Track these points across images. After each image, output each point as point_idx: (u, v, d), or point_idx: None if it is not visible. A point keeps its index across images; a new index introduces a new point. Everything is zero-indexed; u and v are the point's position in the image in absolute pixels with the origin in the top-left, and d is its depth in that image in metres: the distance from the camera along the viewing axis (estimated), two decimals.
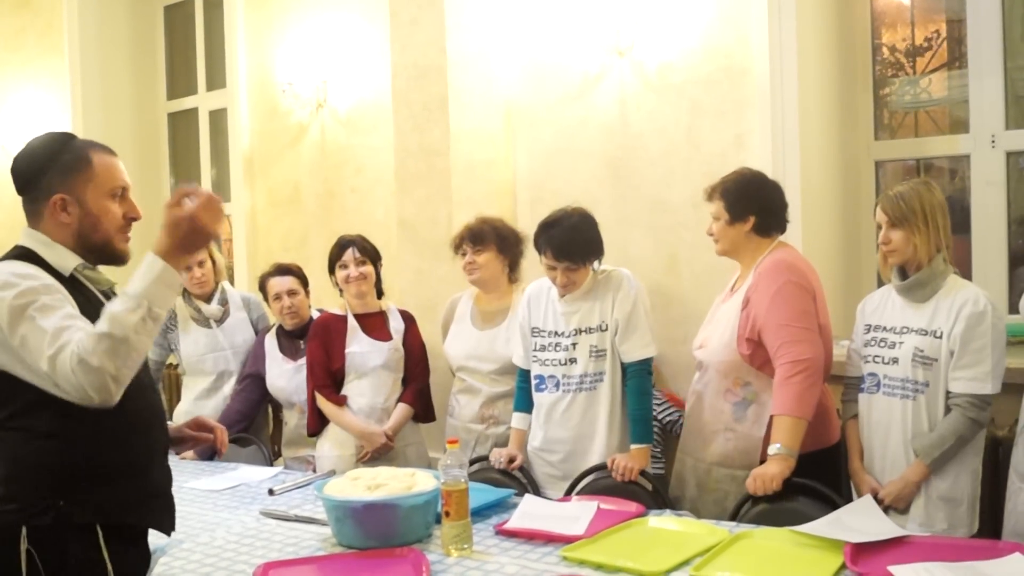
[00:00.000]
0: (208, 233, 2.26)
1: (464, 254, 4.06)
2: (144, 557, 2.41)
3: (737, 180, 3.41)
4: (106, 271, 2.46)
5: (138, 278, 2.16)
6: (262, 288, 4.55)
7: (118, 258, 2.42)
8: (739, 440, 3.29)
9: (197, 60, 6.82)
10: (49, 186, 2.34)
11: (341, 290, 4.29)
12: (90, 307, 2.25)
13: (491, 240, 4.03)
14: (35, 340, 2.12)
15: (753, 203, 3.35)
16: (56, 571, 2.18)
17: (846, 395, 3.35)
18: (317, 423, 4.25)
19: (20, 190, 2.40)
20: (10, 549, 2.16)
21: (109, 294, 2.38)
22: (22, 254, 2.30)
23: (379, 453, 4.09)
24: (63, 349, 2.08)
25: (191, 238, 2.23)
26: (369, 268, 4.22)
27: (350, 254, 4.18)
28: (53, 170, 2.36)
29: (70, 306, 2.19)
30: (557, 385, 3.62)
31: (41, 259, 2.29)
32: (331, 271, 4.27)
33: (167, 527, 2.46)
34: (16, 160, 2.45)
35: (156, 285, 2.16)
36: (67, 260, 2.32)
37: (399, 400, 4.22)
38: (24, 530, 2.16)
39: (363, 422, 4.13)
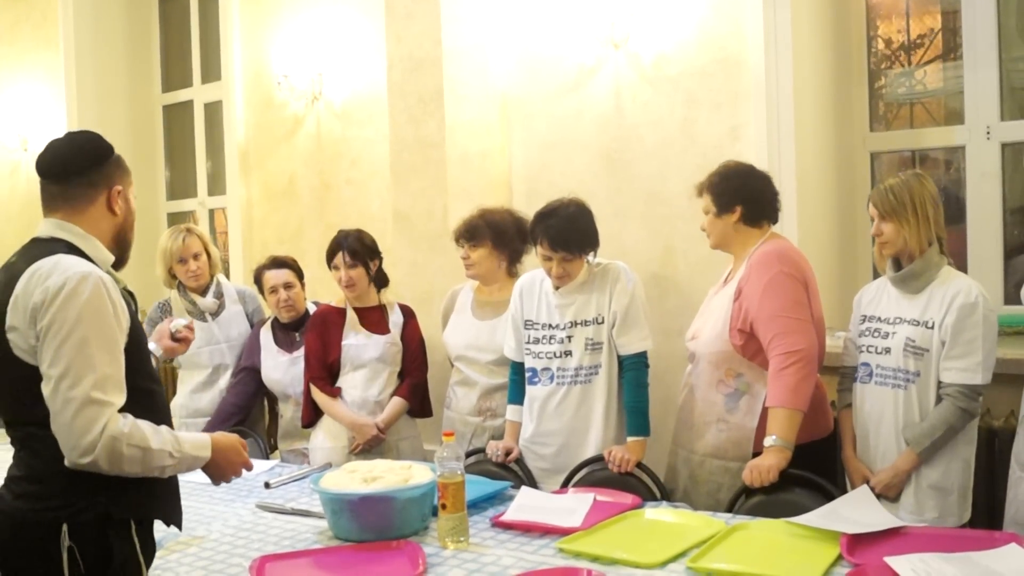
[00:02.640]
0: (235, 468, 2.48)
1: (462, 247, 4.07)
2: (154, 547, 2.46)
3: (722, 173, 3.43)
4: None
5: (190, 445, 2.32)
6: (257, 281, 4.54)
7: (125, 261, 2.51)
8: (732, 431, 3.29)
9: (192, 52, 6.81)
10: (109, 177, 2.40)
11: None
12: (124, 300, 2.35)
13: (486, 236, 4.01)
14: (75, 366, 2.15)
15: (738, 194, 3.37)
16: (96, 566, 2.22)
17: (842, 384, 3.36)
18: (311, 414, 4.25)
19: (61, 177, 2.40)
20: (51, 545, 2.19)
21: (124, 294, 2.36)
22: (67, 249, 2.32)
23: (370, 445, 4.08)
24: (101, 410, 2.14)
25: (231, 462, 2.45)
26: (359, 271, 4.19)
27: (340, 258, 4.17)
28: (111, 163, 2.42)
29: (121, 335, 2.26)
30: (551, 378, 3.61)
31: (83, 254, 2.32)
32: (328, 264, 4.25)
33: (180, 521, 2.51)
34: (66, 146, 2.45)
35: (195, 460, 2.34)
36: (104, 256, 2.39)
37: (394, 394, 4.22)
38: (65, 527, 2.19)
39: (354, 413, 4.13)
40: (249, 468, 2.51)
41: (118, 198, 2.41)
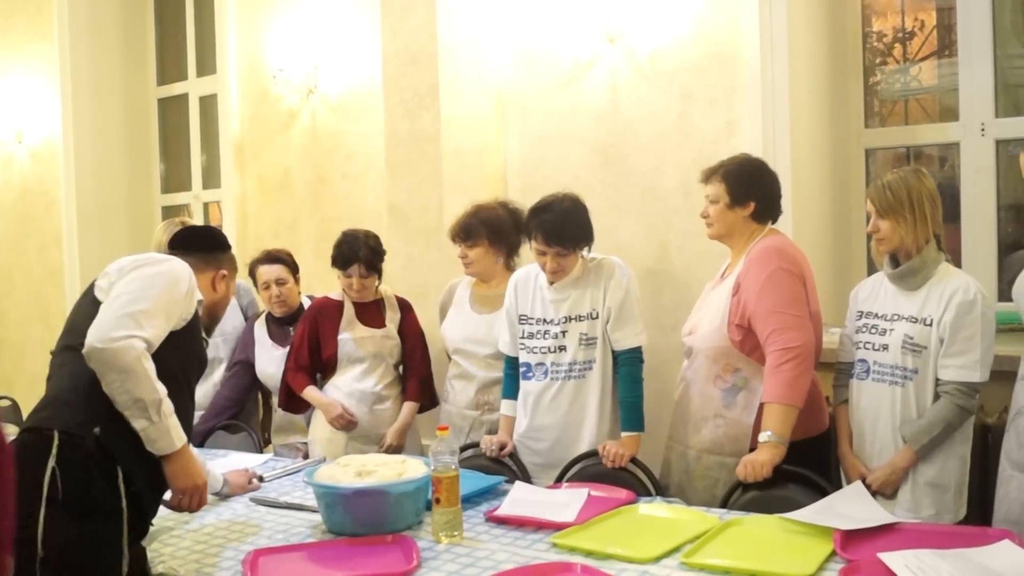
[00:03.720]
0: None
1: (459, 245, 4.07)
2: (146, 512, 2.64)
3: (741, 164, 3.41)
4: None
5: (175, 428, 2.55)
6: (251, 274, 4.53)
7: (208, 332, 2.97)
8: (729, 427, 3.29)
9: (187, 46, 6.80)
10: (221, 262, 2.95)
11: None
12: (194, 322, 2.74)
13: (481, 234, 4.01)
14: (135, 295, 2.54)
15: (755, 189, 3.36)
16: (75, 496, 2.39)
17: (838, 380, 3.36)
18: (286, 399, 4.29)
19: (195, 247, 2.89)
20: (38, 469, 2.39)
21: (199, 321, 2.79)
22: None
23: (341, 425, 4.10)
24: (136, 327, 2.48)
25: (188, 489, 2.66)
26: (371, 279, 4.21)
27: (356, 269, 4.15)
28: (228, 254, 3.02)
29: (176, 316, 2.63)
30: (546, 373, 3.61)
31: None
32: (334, 264, 4.22)
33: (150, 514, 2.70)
34: (199, 230, 3.40)
35: (167, 438, 2.53)
36: (199, 295, 2.77)
37: (404, 397, 4.24)
38: (55, 447, 2.40)
39: (322, 394, 4.17)
40: (203, 503, 2.71)
41: (223, 281, 2.93)
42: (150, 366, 2.47)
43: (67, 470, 2.40)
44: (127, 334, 2.44)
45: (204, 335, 2.88)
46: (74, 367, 2.52)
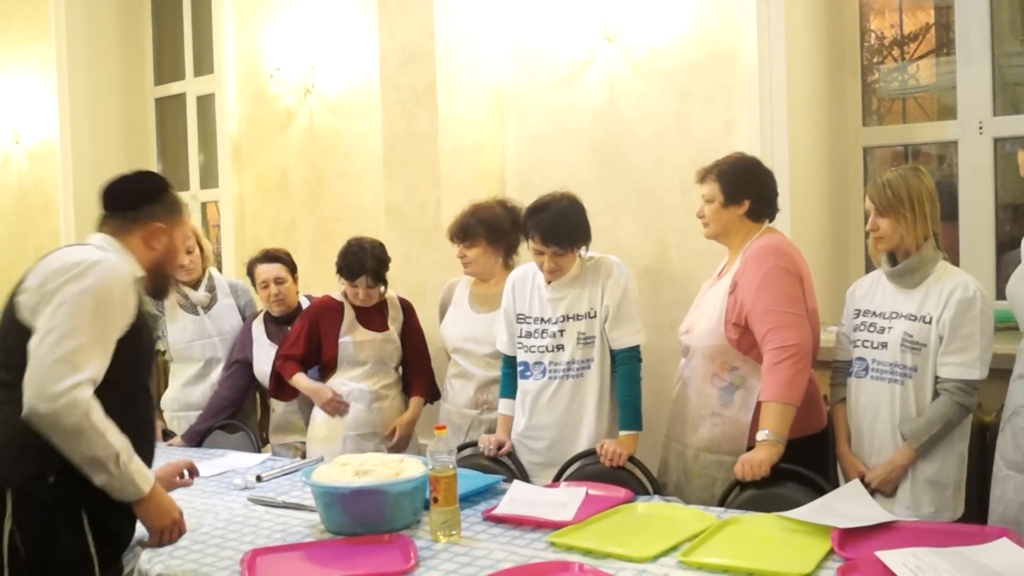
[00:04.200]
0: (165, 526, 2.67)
1: (457, 246, 4.07)
2: (118, 547, 2.56)
3: (735, 163, 3.41)
4: None
5: (138, 473, 2.48)
6: (250, 273, 4.53)
7: (162, 293, 2.78)
8: (726, 425, 3.29)
9: (184, 45, 6.80)
10: (151, 214, 2.66)
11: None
12: (141, 311, 2.56)
13: (479, 234, 4.00)
14: (66, 327, 2.35)
15: (749, 187, 3.36)
16: (38, 552, 2.27)
17: (834, 379, 3.36)
18: (276, 388, 4.31)
19: (114, 206, 2.68)
20: None
21: (144, 314, 2.60)
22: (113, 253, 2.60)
23: (332, 409, 4.12)
24: (75, 370, 2.31)
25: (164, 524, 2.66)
26: (378, 289, 4.21)
27: (363, 280, 4.14)
28: (160, 202, 2.69)
29: (116, 327, 2.45)
30: (543, 372, 3.61)
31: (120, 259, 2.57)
32: (340, 274, 4.20)
33: (127, 537, 2.66)
34: (121, 182, 2.78)
35: (132, 485, 2.47)
36: (134, 268, 2.59)
37: (411, 392, 4.28)
38: (9, 505, 2.28)
39: (311, 381, 4.19)
40: (182, 532, 2.70)
41: (159, 235, 2.65)
42: (99, 418, 2.34)
43: (26, 528, 2.30)
44: (68, 385, 2.28)
45: (159, 314, 2.86)
46: (14, 408, 2.34)
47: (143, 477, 2.45)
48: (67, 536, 2.33)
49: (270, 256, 4.47)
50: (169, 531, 2.63)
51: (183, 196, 6.73)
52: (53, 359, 2.30)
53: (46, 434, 2.30)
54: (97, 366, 2.36)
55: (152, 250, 2.64)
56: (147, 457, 2.64)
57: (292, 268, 4.50)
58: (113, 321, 2.43)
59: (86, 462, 2.33)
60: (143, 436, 2.62)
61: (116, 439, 2.36)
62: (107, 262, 2.46)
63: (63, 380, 2.27)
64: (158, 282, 2.70)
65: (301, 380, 4.19)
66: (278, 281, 4.42)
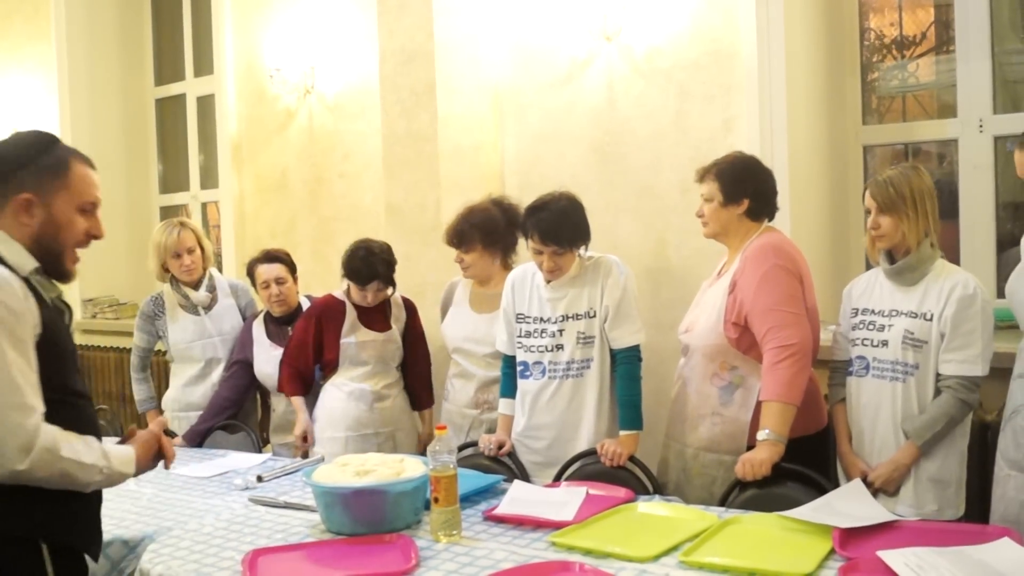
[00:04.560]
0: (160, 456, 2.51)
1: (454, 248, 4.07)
2: (93, 534, 2.44)
3: (733, 162, 3.41)
4: None
5: (118, 460, 2.33)
6: (250, 274, 4.53)
7: (63, 274, 2.36)
8: (726, 424, 3.29)
9: (184, 46, 6.81)
10: (20, 183, 2.26)
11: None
12: (44, 308, 2.25)
13: (475, 239, 4.00)
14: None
15: (748, 186, 3.35)
16: None
17: (833, 379, 3.35)
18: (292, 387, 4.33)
19: None
20: None
21: (54, 304, 2.32)
22: None
23: (298, 443, 4.19)
24: (25, 414, 2.11)
25: (153, 464, 2.48)
26: (387, 292, 4.22)
27: (374, 285, 4.15)
28: (28, 169, 2.28)
29: (31, 340, 2.18)
30: (543, 371, 3.60)
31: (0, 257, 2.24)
32: (350, 278, 4.19)
33: (97, 549, 2.47)
34: None
35: (121, 476, 2.35)
36: (25, 261, 2.26)
37: (418, 405, 4.34)
38: None
39: (303, 411, 4.23)
40: (170, 452, 2.53)
41: (28, 207, 2.26)
42: (68, 448, 2.16)
43: None
44: (27, 437, 2.09)
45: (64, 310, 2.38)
46: None
47: (125, 464, 2.34)
48: (26, 570, 2.19)
49: (270, 256, 4.47)
50: (168, 464, 2.53)
51: (183, 197, 6.88)
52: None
53: (31, 484, 2.15)
54: (37, 390, 2.16)
55: (25, 226, 2.26)
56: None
57: (292, 268, 4.50)
58: (19, 332, 2.14)
59: (81, 486, 2.24)
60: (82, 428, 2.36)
61: (91, 455, 2.22)
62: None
63: (20, 432, 2.09)
64: (50, 262, 2.30)
65: (297, 403, 4.24)
66: (279, 281, 4.42)
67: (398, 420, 4.24)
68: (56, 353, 2.25)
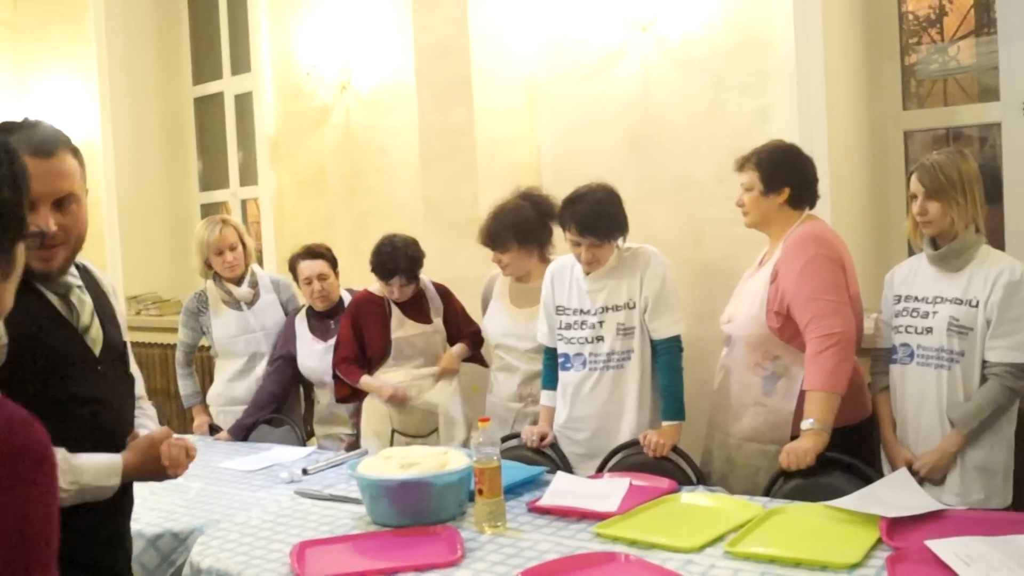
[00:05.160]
0: (163, 473, 2.25)
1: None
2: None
3: (773, 151, 3.39)
4: None
5: (92, 474, 2.06)
6: (292, 269, 4.57)
7: (35, 277, 2.10)
8: (769, 414, 3.28)
9: (221, 45, 6.84)
10: None
11: None
12: (26, 310, 1.96)
13: (510, 240, 3.98)
14: None
15: (789, 175, 3.34)
16: None
17: (875, 367, 3.33)
18: (344, 391, 4.34)
19: None
20: None
21: (67, 296, 2.17)
22: None
23: (398, 401, 4.14)
24: None
25: (154, 471, 2.24)
26: (412, 286, 4.24)
27: (398, 280, 4.17)
28: None
29: None
30: (584, 363, 3.61)
31: None
32: (374, 272, 4.22)
33: (120, 569, 2.29)
34: None
35: (99, 490, 2.09)
36: None
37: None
38: None
39: (374, 379, 4.19)
40: (187, 458, 2.30)
41: None
42: None
43: None
44: None
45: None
46: None
47: (105, 475, 2.09)
48: None
49: (312, 253, 4.51)
50: (172, 472, 2.26)
51: (223, 194, 6.93)
52: None
53: None
54: None
55: None
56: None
57: (334, 263, 4.54)
58: None
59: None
60: (86, 451, 2.12)
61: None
62: None
63: None
64: None
65: (365, 380, 4.21)
66: (321, 277, 4.45)
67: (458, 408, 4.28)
68: (34, 359, 2.05)
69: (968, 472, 3.01)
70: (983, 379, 3.02)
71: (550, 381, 3.75)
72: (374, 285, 4.31)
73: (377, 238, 4.25)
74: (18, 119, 2.21)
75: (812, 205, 3.41)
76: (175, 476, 2.29)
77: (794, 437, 3.14)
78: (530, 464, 3.43)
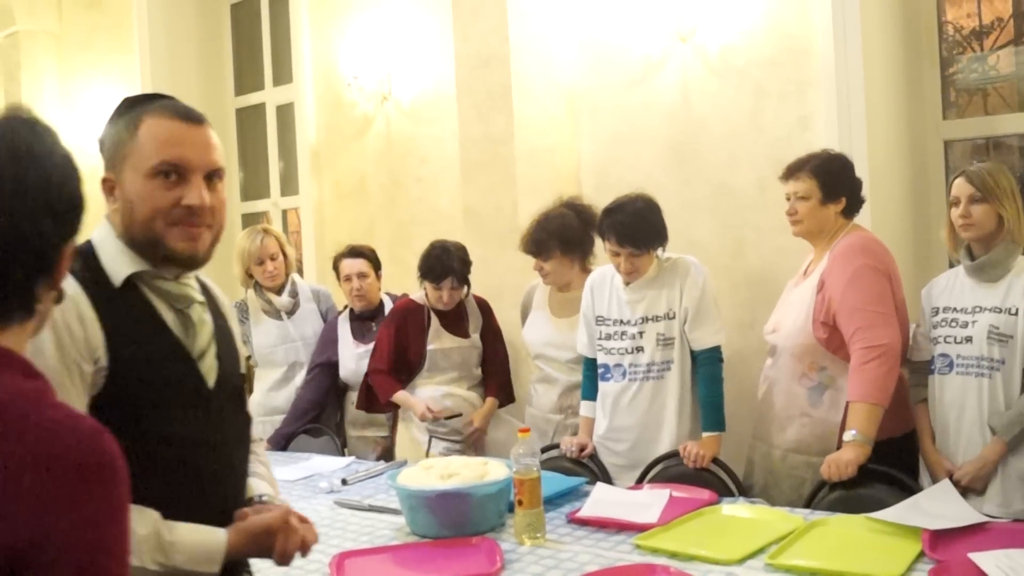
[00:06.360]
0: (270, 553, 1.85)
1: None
2: None
3: (831, 160, 3.39)
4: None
5: (187, 556, 1.70)
6: (335, 268, 4.60)
7: (177, 259, 1.82)
8: (815, 426, 3.26)
9: (263, 56, 6.90)
10: (106, 162, 1.84)
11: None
12: (134, 327, 1.76)
13: (554, 247, 3.98)
14: None
15: (846, 184, 3.35)
16: None
17: (914, 379, 3.31)
18: (366, 401, 4.37)
19: None
20: None
21: (185, 312, 1.86)
22: (82, 253, 1.77)
23: (431, 417, 4.15)
24: None
25: (264, 550, 1.85)
26: (461, 291, 4.26)
27: (448, 282, 4.19)
28: (107, 142, 1.86)
29: (67, 368, 1.64)
30: (624, 374, 3.61)
31: (96, 260, 1.79)
32: (425, 277, 4.24)
33: None
34: None
35: (196, 570, 1.72)
36: (120, 264, 1.79)
37: (485, 394, 4.32)
38: None
39: (410, 396, 4.21)
40: (304, 544, 1.90)
41: (111, 189, 1.83)
42: None
43: None
44: None
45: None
46: None
47: (203, 560, 1.72)
48: None
49: (355, 251, 4.55)
50: (279, 561, 1.86)
51: (264, 204, 6.99)
52: None
53: None
54: None
55: (115, 213, 1.82)
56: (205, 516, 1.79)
57: (376, 265, 4.57)
58: (56, 374, 1.60)
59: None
60: (186, 505, 1.75)
61: (137, 527, 1.61)
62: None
63: None
64: (151, 250, 1.79)
65: (400, 396, 4.24)
66: (360, 276, 4.49)
67: (493, 428, 4.30)
68: (134, 386, 1.72)
69: (1010, 481, 2.98)
70: (1023, 387, 2.99)
71: (590, 392, 3.75)
72: (416, 293, 4.34)
73: (417, 247, 4.28)
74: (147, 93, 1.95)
75: (857, 214, 3.40)
76: (281, 566, 1.89)
77: (838, 448, 3.13)
78: (570, 475, 3.43)
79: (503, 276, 4.70)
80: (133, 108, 1.84)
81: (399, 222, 5.78)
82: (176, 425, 1.78)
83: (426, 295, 4.27)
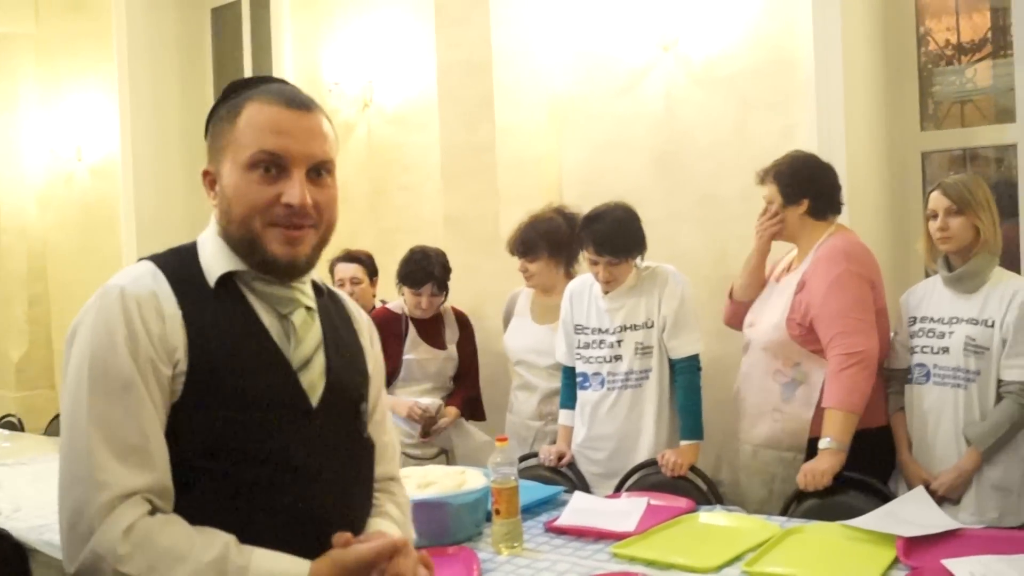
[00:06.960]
0: None
1: (519, 258, 4.09)
2: None
3: (790, 163, 3.42)
4: None
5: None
6: (331, 271, 4.60)
7: (271, 264, 1.64)
8: (787, 421, 3.28)
9: (244, 61, 6.89)
10: (208, 153, 1.69)
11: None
12: (225, 329, 1.60)
13: (541, 248, 4.01)
14: (67, 428, 1.51)
15: (807, 185, 3.36)
16: None
17: (891, 387, 3.33)
18: None
19: None
20: None
21: (285, 318, 1.67)
22: (182, 250, 1.70)
23: (417, 417, 4.15)
24: (93, 495, 1.44)
25: None
26: (440, 298, 4.26)
27: (428, 288, 4.19)
28: (209, 131, 1.70)
29: (150, 405, 1.50)
30: (602, 382, 3.61)
31: (196, 259, 1.68)
32: (404, 282, 4.24)
33: None
34: None
35: None
36: (217, 263, 1.65)
37: (448, 403, 4.29)
38: None
39: (398, 399, 4.19)
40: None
41: (212, 183, 1.68)
42: (141, 560, 1.42)
43: None
44: (85, 527, 1.43)
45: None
46: None
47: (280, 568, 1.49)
48: None
49: (350, 256, 4.55)
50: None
51: None
52: (63, 491, 1.48)
53: None
54: (130, 460, 1.46)
55: (215, 208, 1.68)
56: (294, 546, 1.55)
57: (371, 271, 4.57)
58: (125, 377, 1.50)
59: None
60: (272, 538, 1.53)
61: (205, 550, 1.45)
62: (107, 293, 1.55)
63: (79, 522, 1.44)
64: (247, 250, 1.63)
65: (392, 400, 4.22)
66: (353, 281, 4.48)
67: (451, 439, 4.31)
68: (214, 393, 1.55)
69: (984, 490, 3.02)
70: (999, 398, 3.03)
71: (568, 400, 3.76)
72: (393, 302, 4.34)
73: (400, 254, 4.28)
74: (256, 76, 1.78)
75: (837, 213, 3.42)
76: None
77: (811, 443, 3.15)
78: (548, 484, 3.44)
79: (486, 284, 4.71)
80: (238, 92, 1.67)
81: (382, 229, 5.77)
82: (265, 443, 1.56)
83: (404, 301, 4.27)
